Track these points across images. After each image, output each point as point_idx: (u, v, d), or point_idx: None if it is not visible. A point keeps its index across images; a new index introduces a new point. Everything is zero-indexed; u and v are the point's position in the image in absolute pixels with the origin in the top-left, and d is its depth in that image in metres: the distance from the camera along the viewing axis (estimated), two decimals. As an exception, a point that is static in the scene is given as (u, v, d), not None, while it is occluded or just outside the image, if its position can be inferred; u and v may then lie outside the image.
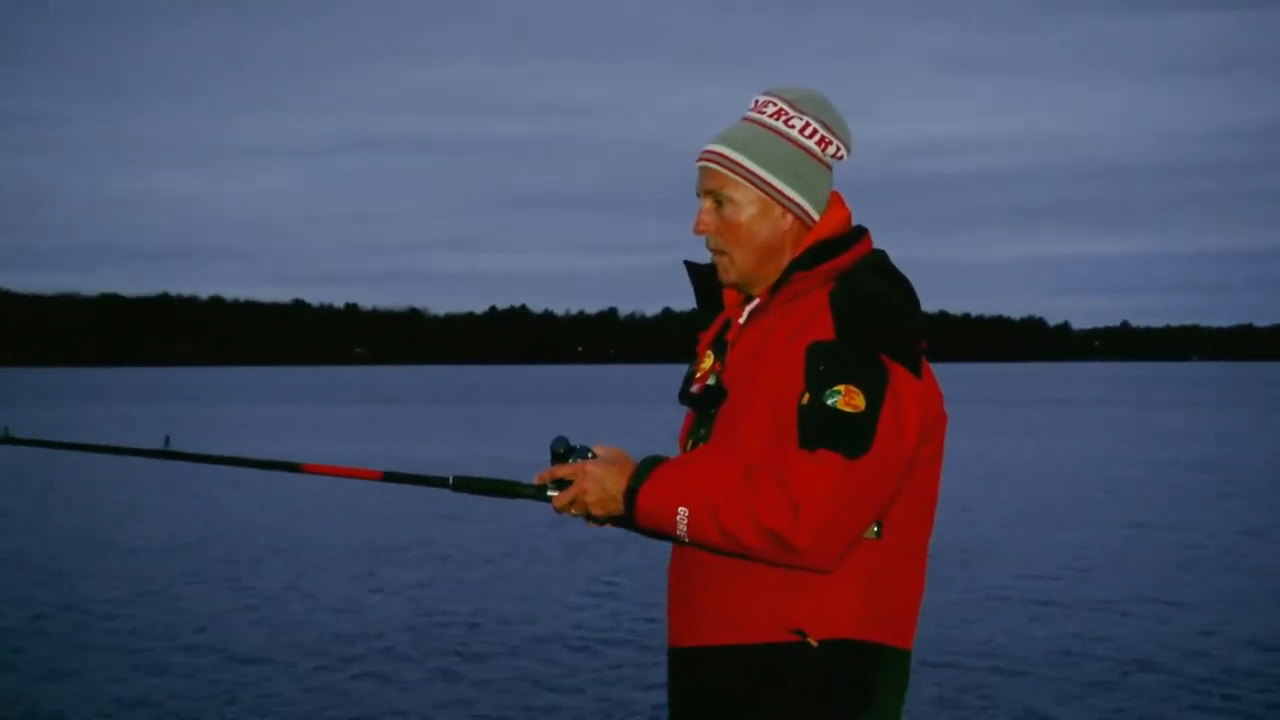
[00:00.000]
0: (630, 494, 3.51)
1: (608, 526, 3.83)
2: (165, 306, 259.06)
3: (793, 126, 3.68)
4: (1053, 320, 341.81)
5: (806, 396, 3.42)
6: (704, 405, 3.71)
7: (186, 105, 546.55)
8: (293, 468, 4.56)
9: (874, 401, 3.40)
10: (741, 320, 3.73)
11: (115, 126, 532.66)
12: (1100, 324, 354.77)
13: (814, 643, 3.48)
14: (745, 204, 3.66)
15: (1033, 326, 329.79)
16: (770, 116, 3.70)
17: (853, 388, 3.41)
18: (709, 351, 3.82)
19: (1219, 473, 34.39)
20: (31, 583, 16.15)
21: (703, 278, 3.85)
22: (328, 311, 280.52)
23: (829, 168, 3.72)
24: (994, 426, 57.50)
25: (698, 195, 3.73)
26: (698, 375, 3.80)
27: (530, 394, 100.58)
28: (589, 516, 3.69)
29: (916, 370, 3.51)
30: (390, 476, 4.16)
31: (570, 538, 19.46)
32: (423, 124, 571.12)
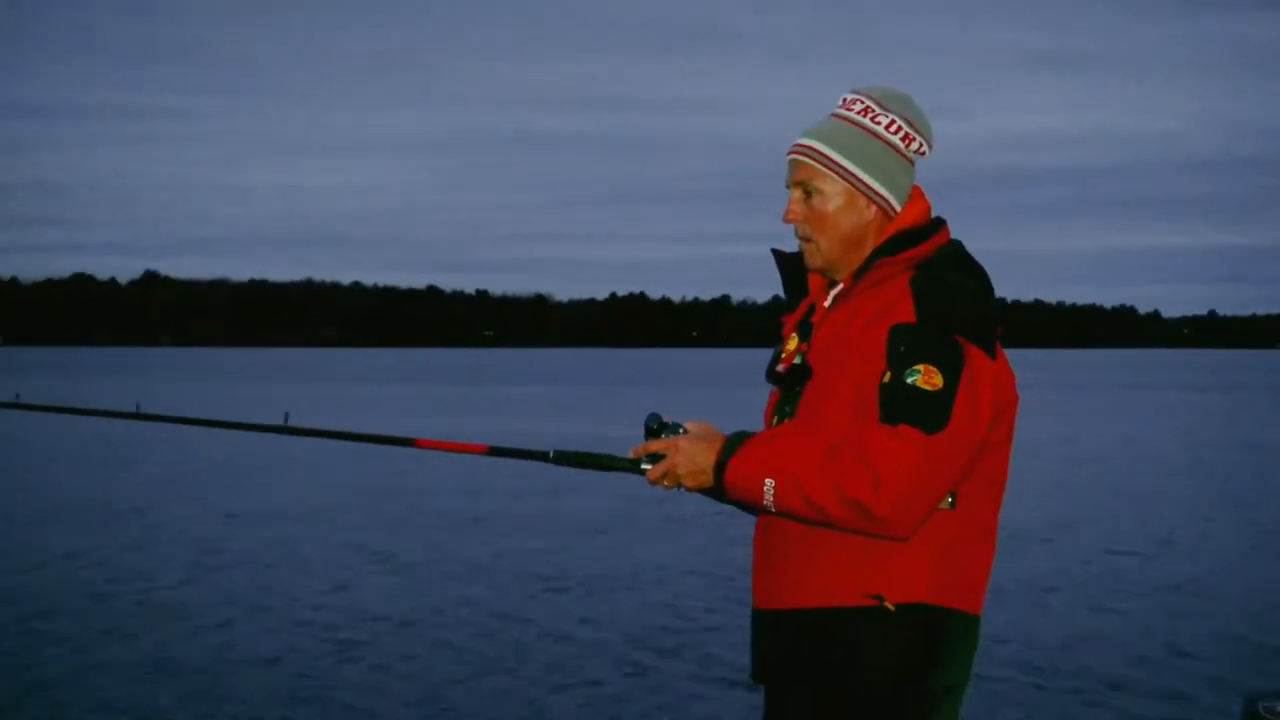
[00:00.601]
0: (719, 467, 3.57)
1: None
2: (309, 291, 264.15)
3: (879, 123, 3.73)
4: (1143, 309, 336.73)
5: (888, 375, 3.47)
6: (790, 383, 3.77)
7: (329, 102, 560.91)
8: (406, 442, 4.67)
9: (951, 381, 3.46)
10: (826, 304, 3.78)
11: (264, 122, 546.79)
12: (1189, 312, 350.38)
13: (891, 607, 3.53)
14: (833, 195, 3.71)
15: (1124, 314, 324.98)
16: (858, 113, 3.74)
17: (931, 367, 3.47)
18: (794, 334, 3.87)
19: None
20: (147, 552, 15.73)
21: (789, 264, 3.91)
22: (460, 297, 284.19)
23: (911, 163, 3.76)
24: (1084, 409, 57.69)
25: (787, 186, 3.79)
26: (784, 355, 3.86)
27: (645, 375, 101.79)
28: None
29: (991, 353, 3.57)
30: (494, 451, 4.31)
31: (661, 509, 19.06)
32: (547, 120, 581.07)
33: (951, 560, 3.62)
